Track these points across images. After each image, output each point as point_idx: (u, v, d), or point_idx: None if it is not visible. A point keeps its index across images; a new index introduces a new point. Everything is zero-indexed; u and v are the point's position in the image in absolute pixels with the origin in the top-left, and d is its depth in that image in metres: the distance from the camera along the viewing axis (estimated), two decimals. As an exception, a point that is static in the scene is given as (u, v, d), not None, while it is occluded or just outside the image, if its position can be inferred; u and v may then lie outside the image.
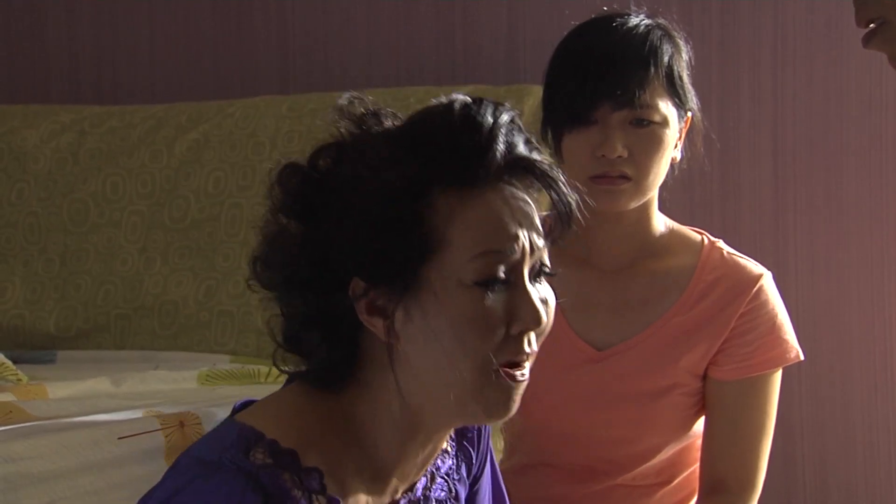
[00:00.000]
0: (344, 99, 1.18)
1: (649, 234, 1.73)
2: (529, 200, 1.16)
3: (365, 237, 1.11)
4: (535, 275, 1.17)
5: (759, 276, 1.71)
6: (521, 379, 1.15)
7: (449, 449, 1.29)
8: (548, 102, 1.71)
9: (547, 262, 1.18)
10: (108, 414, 2.05)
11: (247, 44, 3.29)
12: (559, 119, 1.68)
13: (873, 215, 2.85)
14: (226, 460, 1.11)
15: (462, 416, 1.17)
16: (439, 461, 1.27)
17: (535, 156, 1.17)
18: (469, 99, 1.17)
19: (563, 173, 1.19)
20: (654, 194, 1.71)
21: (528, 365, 1.16)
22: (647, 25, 1.68)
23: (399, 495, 1.22)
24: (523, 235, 1.14)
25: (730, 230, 2.89)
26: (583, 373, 1.72)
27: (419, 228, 1.11)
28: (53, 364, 2.87)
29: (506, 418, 1.16)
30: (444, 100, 1.18)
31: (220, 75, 3.30)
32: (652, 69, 1.64)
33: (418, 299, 1.12)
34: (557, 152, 1.71)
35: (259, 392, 2.26)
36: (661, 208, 1.81)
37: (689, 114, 1.71)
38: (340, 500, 1.15)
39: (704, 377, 1.70)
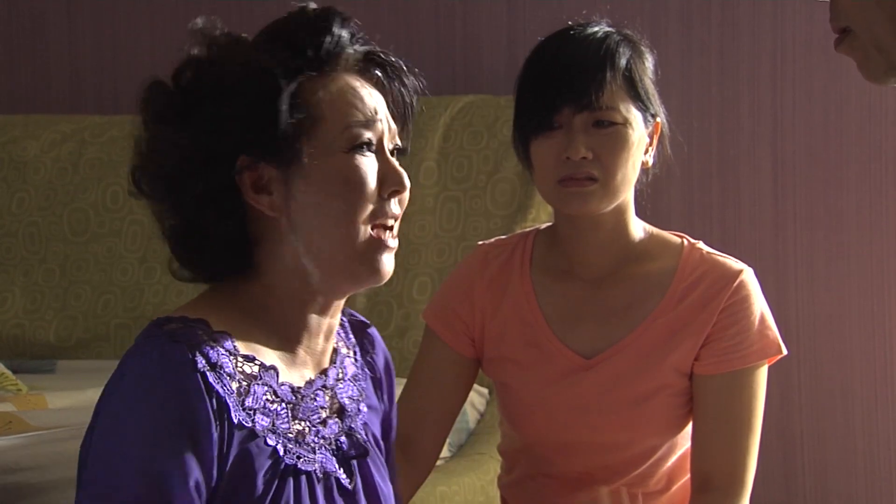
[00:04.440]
0: (198, 22, 1.32)
1: (628, 239, 1.75)
2: (378, 91, 1.35)
3: (251, 116, 1.25)
4: (394, 152, 1.35)
5: (740, 272, 1.73)
6: (391, 244, 1.31)
7: (352, 356, 1.42)
8: (515, 114, 1.76)
9: (400, 142, 1.36)
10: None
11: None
12: (526, 128, 1.73)
13: (873, 226, 2.86)
14: (140, 340, 1.23)
15: (350, 276, 1.30)
16: (347, 362, 1.39)
17: (377, 49, 1.37)
18: (314, 4, 1.35)
19: (406, 64, 1.39)
20: (628, 199, 1.73)
21: (395, 229, 1.33)
22: (605, 32, 1.72)
23: (314, 375, 1.34)
24: (382, 112, 1.33)
25: (729, 241, 2.89)
26: (573, 382, 1.73)
27: (296, 105, 1.26)
28: (53, 374, 2.87)
29: (383, 278, 1.31)
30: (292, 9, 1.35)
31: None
32: (609, 71, 1.68)
33: (302, 170, 1.27)
34: (527, 161, 1.74)
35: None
36: (659, 221, 1.82)
37: (657, 119, 1.73)
38: (255, 356, 1.26)
39: (691, 375, 1.72)
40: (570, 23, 1.76)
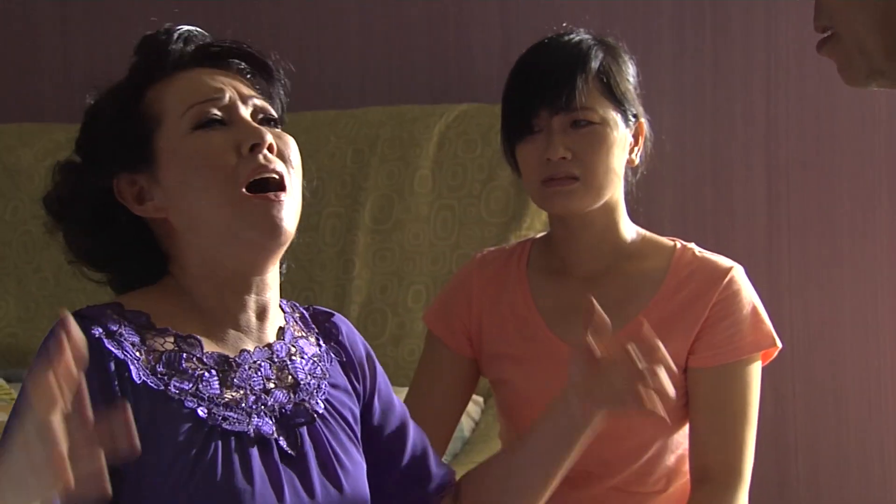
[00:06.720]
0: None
1: (619, 240, 1.80)
2: (229, 74, 1.42)
3: (105, 136, 1.38)
4: (264, 122, 1.39)
5: (730, 269, 1.79)
6: (272, 198, 1.33)
7: (312, 340, 1.45)
8: (502, 121, 1.82)
9: (273, 112, 1.41)
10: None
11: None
12: (510, 133, 1.79)
13: (866, 234, 2.87)
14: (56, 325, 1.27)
15: (242, 245, 1.34)
16: (301, 342, 1.43)
17: (210, 40, 1.44)
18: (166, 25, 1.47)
19: (239, 42, 1.45)
20: (617, 199, 1.78)
21: (285, 185, 1.34)
22: (580, 38, 1.79)
23: (252, 348, 1.38)
24: (229, 87, 1.38)
25: (723, 250, 2.87)
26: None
27: (139, 113, 1.37)
28: (47, 383, 2.86)
29: (278, 234, 1.32)
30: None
31: (215, 94, 3.30)
32: (580, 73, 1.74)
33: (161, 164, 1.35)
34: (515, 166, 1.81)
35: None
36: (652, 227, 1.85)
37: (642, 120, 1.77)
38: (170, 328, 1.33)
39: (686, 371, 1.74)
40: (550, 36, 1.81)
